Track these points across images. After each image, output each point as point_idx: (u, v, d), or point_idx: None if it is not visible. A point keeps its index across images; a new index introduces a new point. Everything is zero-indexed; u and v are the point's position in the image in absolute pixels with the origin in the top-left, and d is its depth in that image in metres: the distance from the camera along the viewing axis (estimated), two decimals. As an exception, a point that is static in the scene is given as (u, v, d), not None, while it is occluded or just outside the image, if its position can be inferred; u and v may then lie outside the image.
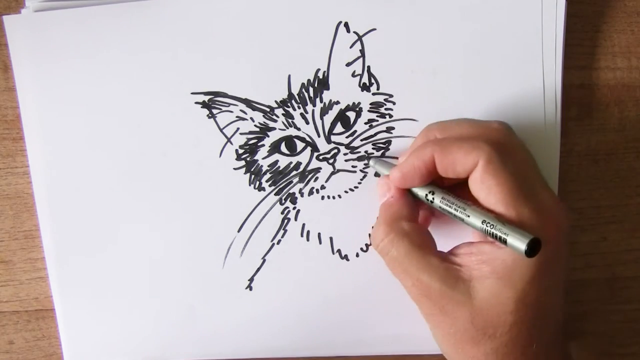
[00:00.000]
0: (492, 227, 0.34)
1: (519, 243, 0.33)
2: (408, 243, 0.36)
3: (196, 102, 0.43)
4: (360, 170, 0.43)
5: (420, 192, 0.38)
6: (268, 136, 0.43)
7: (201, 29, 0.42)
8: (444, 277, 0.35)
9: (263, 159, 0.43)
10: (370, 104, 0.43)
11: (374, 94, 0.42)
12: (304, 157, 0.43)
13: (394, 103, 0.42)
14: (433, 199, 0.37)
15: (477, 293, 0.35)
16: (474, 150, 0.35)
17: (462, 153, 0.35)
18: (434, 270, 0.36)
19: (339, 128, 0.43)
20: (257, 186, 0.43)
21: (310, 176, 0.43)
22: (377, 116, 0.43)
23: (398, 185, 0.38)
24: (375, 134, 0.43)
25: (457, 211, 0.36)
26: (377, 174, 0.43)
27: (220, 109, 0.43)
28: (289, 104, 0.42)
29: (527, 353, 0.35)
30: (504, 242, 0.33)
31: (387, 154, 0.43)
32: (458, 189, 0.37)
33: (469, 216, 0.35)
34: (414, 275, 0.36)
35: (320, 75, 0.42)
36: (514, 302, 0.34)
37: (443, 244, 0.38)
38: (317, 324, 0.44)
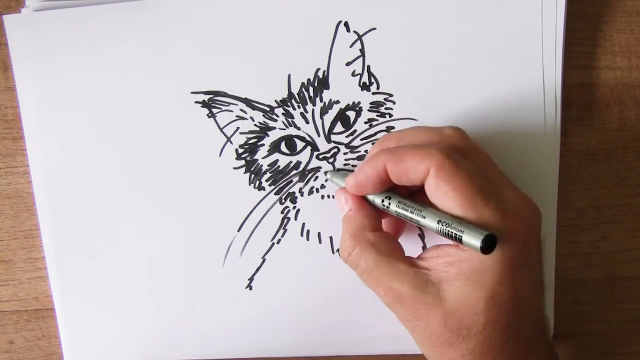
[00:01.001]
0: (447, 226, 0.34)
1: (473, 240, 0.33)
2: (375, 253, 0.37)
3: (196, 102, 0.43)
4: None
5: (377, 199, 0.38)
6: (268, 135, 0.43)
7: (201, 29, 0.42)
8: (414, 282, 0.35)
9: (263, 158, 0.43)
10: (370, 103, 0.43)
11: (373, 93, 0.42)
12: (303, 157, 0.43)
13: (393, 102, 0.42)
14: (389, 204, 0.37)
15: (448, 295, 0.35)
16: (426, 158, 0.35)
17: (414, 161, 0.35)
18: (403, 277, 0.36)
19: (338, 127, 0.43)
20: (257, 185, 0.43)
21: (310, 175, 0.43)
22: (377, 115, 0.43)
23: (352, 193, 0.39)
24: (375, 134, 0.43)
25: (412, 214, 0.36)
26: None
27: (220, 108, 0.43)
28: (289, 104, 0.42)
29: (504, 352, 0.35)
30: (460, 240, 0.33)
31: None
32: (421, 197, 0.37)
33: (424, 217, 0.35)
34: (385, 284, 0.36)
35: (320, 74, 0.42)
36: (484, 302, 0.34)
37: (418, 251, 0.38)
38: (317, 323, 0.44)
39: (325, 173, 0.43)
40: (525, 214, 0.36)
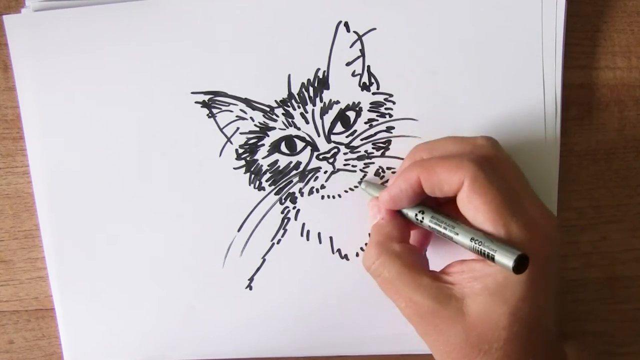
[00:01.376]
0: (480, 244, 0.34)
1: (506, 260, 0.33)
2: (400, 264, 0.37)
3: (196, 102, 0.43)
4: (360, 170, 0.43)
5: (410, 213, 0.38)
6: (268, 136, 0.43)
7: (201, 29, 0.42)
8: (436, 296, 0.35)
9: (263, 158, 0.43)
10: (370, 103, 0.43)
11: (374, 93, 0.42)
12: (303, 157, 0.43)
13: (393, 103, 0.42)
14: (422, 218, 0.38)
15: (470, 310, 0.35)
16: (459, 170, 0.35)
17: (447, 173, 0.35)
18: (425, 290, 0.36)
19: (338, 127, 0.43)
20: (257, 186, 0.43)
21: (310, 176, 0.43)
22: (377, 116, 0.43)
23: (387, 207, 0.39)
24: (375, 134, 0.43)
25: (445, 230, 0.36)
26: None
27: (220, 108, 0.43)
28: (289, 104, 0.42)
29: None
30: (492, 259, 0.34)
31: (387, 153, 0.43)
32: (450, 207, 0.37)
33: (457, 234, 0.35)
34: (407, 296, 0.36)
35: (320, 74, 0.42)
36: (506, 318, 0.34)
37: (441, 264, 0.38)
38: (317, 323, 0.44)
39: (359, 183, 0.43)
40: (547, 230, 0.36)
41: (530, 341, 0.35)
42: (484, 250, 0.34)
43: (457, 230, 0.36)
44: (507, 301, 0.34)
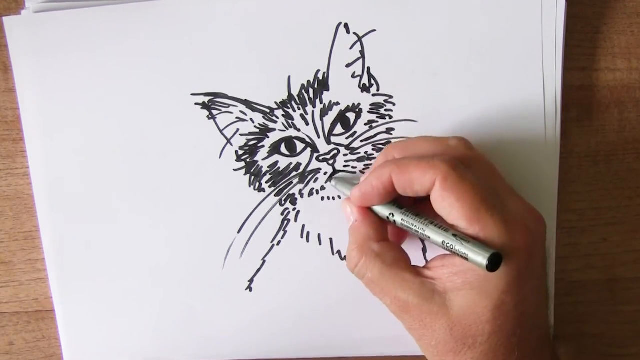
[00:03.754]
0: (451, 247, 0.34)
1: (479, 259, 0.33)
2: (380, 263, 0.37)
3: (196, 103, 0.43)
4: (360, 172, 0.43)
5: (382, 213, 0.38)
6: (268, 137, 0.43)
7: (201, 30, 0.42)
8: (420, 292, 0.36)
9: (263, 160, 0.43)
10: (370, 105, 0.43)
11: (374, 95, 0.42)
12: (303, 158, 0.43)
13: (394, 104, 0.42)
14: (394, 221, 0.38)
15: (453, 304, 0.35)
16: (431, 169, 0.35)
17: (419, 172, 0.35)
18: (409, 286, 0.36)
19: (338, 129, 0.43)
20: (257, 187, 0.43)
21: (310, 177, 0.43)
22: (377, 117, 0.43)
23: (358, 204, 0.39)
24: (375, 135, 0.43)
25: (417, 233, 0.36)
26: None
27: (220, 110, 0.43)
28: (288, 105, 0.42)
29: None
30: (466, 259, 0.34)
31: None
32: (425, 205, 0.37)
33: (429, 237, 0.36)
34: (391, 293, 0.36)
35: (320, 76, 0.42)
36: (490, 311, 0.35)
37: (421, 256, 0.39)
38: (317, 324, 0.44)
39: (330, 180, 0.43)
40: (530, 224, 0.36)
41: (516, 335, 0.35)
42: (457, 252, 0.34)
43: (427, 233, 0.36)
44: (490, 295, 0.34)
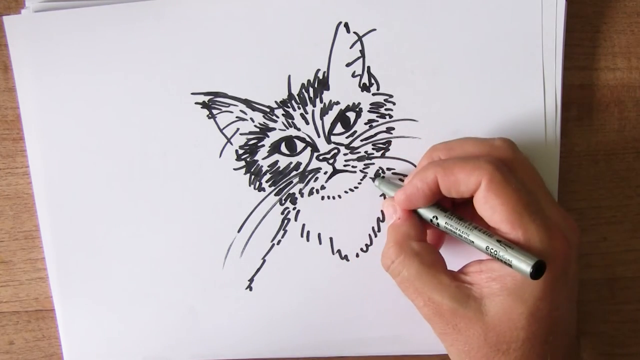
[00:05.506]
0: (495, 252, 0.34)
1: (523, 266, 0.33)
2: (418, 263, 0.37)
3: (196, 103, 0.43)
4: (360, 171, 0.43)
5: (426, 215, 0.38)
6: (268, 136, 0.43)
7: (201, 30, 0.42)
8: (455, 296, 0.36)
9: (263, 159, 0.43)
10: (370, 104, 0.43)
11: (374, 94, 0.42)
12: (304, 158, 0.43)
13: (394, 103, 0.42)
14: (437, 224, 0.38)
15: (489, 310, 0.35)
16: (476, 170, 0.35)
17: (464, 174, 0.35)
18: (445, 289, 0.36)
19: (339, 128, 0.43)
20: (257, 186, 0.43)
21: (310, 176, 0.43)
22: (377, 116, 0.43)
23: (403, 207, 0.39)
24: (375, 134, 0.43)
25: (461, 237, 0.36)
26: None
27: (220, 109, 0.43)
28: (289, 104, 0.42)
29: None
30: (510, 265, 0.34)
31: (387, 154, 0.43)
32: (466, 206, 0.37)
33: (472, 242, 0.36)
34: (426, 295, 0.36)
35: (320, 75, 0.42)
36: (525, 318, 0.35)
37: (457, 262, 0.38)
38: (317, 324, 0.44)
39: (374, 180, 0.43)
40: (567, 232, 0.36)
41: (549, 342, 0.35)
42: (501, 258, 0.34)
43: (471, 238, 0.36)
44: (526, 301, 0.34)
